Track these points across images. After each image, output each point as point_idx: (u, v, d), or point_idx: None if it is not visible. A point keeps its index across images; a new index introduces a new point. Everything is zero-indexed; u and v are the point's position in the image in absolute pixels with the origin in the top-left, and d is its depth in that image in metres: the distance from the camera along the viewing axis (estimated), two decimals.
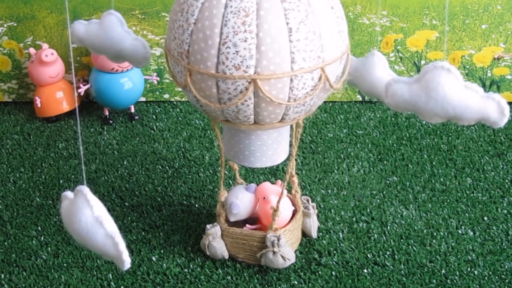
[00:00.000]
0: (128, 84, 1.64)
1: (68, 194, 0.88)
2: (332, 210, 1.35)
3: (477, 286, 1.17)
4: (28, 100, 1.78)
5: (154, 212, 1.35)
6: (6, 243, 1.28)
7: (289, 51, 0.92)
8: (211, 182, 1.45)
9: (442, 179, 1.45)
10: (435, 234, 1.29)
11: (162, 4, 1.66)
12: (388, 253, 1.24)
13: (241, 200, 1.19)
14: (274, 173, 1.47)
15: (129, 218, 1.34)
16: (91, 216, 0.83)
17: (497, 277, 1.19)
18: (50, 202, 1.39)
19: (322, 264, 1.22)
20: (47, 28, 1.69)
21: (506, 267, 1.21)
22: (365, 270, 1.20)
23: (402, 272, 1.20)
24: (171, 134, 1.63)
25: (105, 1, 1.66)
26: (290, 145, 1.15)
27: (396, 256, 1.23)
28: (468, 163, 1.50)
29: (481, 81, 1.75)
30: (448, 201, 1.38)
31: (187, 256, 1.24)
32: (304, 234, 1.27)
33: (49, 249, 1.26)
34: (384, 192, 1.41)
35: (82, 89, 1.66)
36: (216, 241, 1.20)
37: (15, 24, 1.69)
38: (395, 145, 1.57)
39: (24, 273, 1.21)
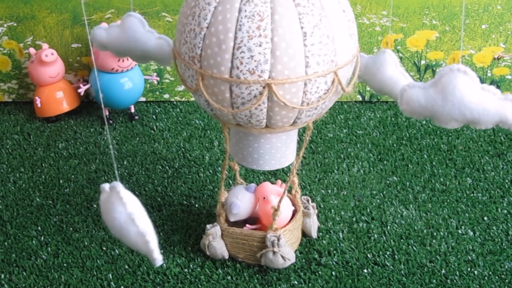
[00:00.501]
0: (128, 84, 1.64)
1: (106, 187, 0.87)
2: (332, 210, 1.35)
3: (477, 286, 1.17)
4: (28, 100, 1.78)
5: (154, 212, 1.35)
6: (6, 243, 1.28)
7: (304, 56, 0.92)
8: (211, 182, 1.45)
9: (442, 179, 1.45)
10: (435, 234, 1.29)
11: (162, 4, 1.66)
12: (388, 253, 1.24)
13: (241, 200, 1.19)
14: (274, 173, 1.47)
15: None
16: (124, 213, 0.83)
17: (497, 277, 1.19)
18: (50, 202, 1.39)
19: (322, 264, 1.22)
20: (47, 28, 1.69)
21: (506, 267, 1.21)
22: (365, 270, 1.20)
23: (402, 272, 1.20)
24: (171, 134, 1.63)
25: (105, 1, 1.66)
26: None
27: (396, 256, 1.23)
28: (468, 163, 1.50)
29: (481, 81, 1.75)
30: (448, 201, 1.38)
31: (187, 256, 1.24)
32: (304, 234, 1.27)
33: (49, 249, 1.26)
34: (384, 192, 1.41)
35: (82, 89, 1.66)
36: (216, 241, 1.20)
37: (15, 24, 1.69)
38: (395, 145, 1.57)
39: (24, 273, 1.21)
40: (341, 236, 1.28)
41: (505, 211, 1.35)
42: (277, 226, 1.16)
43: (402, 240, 1.27)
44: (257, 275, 1.19)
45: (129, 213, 0.83)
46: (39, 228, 1.31)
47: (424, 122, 1.64)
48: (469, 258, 1.23)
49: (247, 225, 1.20)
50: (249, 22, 0.91)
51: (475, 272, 1.20)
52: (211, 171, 1.48)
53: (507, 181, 1.44)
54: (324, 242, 1.27)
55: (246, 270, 1.21)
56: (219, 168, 1.49)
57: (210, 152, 1.55)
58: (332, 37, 0.93)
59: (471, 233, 1.29)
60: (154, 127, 1.66)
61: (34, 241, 1.28)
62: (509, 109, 0.89)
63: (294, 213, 1.22)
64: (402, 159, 1.52)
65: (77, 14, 1.67)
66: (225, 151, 1.13)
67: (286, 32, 0.91)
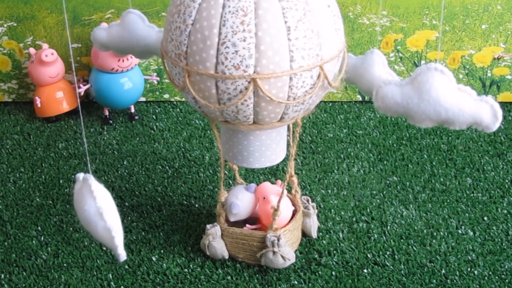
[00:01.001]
0: (128, 84, 1.64)
1: (80, 177, 0.88)
2: (332, 210, 1.35)
3: (477, 286, 1.17)
4: (28, 100, 1.78)
5: (154, 212, 1.35)
6: (6, 243, 1.28)
7: (288, 50, 0.92)
8: (211, 182, 1.45)
9: (442, 179, 1.45)
10: (435, 234, 1.29)
11: (162, 4, 1.66)
12: (388, 253, 1.24)
13: (241, 200, 1.19)
14: (274, 173, 1.47)
15: (129, 218, 1.34)
16: (93, 207, 0.85)
17: (497, 277, 1.19)
18: (50, 202, 1.39)
19: (322, 264, 1.22)
20: (47, 28, 1.69)
21: (506, 267, 1.21)
22: (365, 270, 1.20)
23: (402, 272, 1.20)
24: (171, 134, 1.63)
25: (105, 1, 1.66)
26: (289, 144, 1.15)
27: (396, 256, 1.23)
28: (468, 163, 1.50)
29: (481, 81, 1.75)
30: (448, 201, 1.38)
31: (187, 256, 1.24)
32: (304, 234, 1.27)
33: (49, 249, 1.26)
34: (384, 192, 1.41)
35: (82, 89, 1.66)
36: (216, 241, 1.20)
37: (15, 24, 1.69)
38: (395, 145, 1.57)
39: (24, 273, 1.21)
40: (341, 236, 1.28)
41: (505, 211, 1.35)
42: (277, 226, 1.16)
43: (402, 240, 1.27)
44: (257, 275, 1.19)
45: (98, 207, 0.84)
46: (39, 228, 1.31)
47: None
48: (469, 258, 1.23)
49: (247, 225, 1.20)
50: (233, 18, 0.91)
51: (475, 272, 1.20)
52: (211, 171, 1.48)
53: (507, 181, 1.44)
54: (324, 242, 1.27)
55: (246, 270, 1.21)
56: (219, 168, 1.49)
57: (210, 152, 1.55)
58: (317, 31, 0.94)
59: (471, 233, 1.29)
60: (154, 127, 1.66)
61: (34, 241, 1.28)
62: (484, 110, 0.88)
63: (294, 213, 1.22)
64: (402, 159, 1.52)
65: (77, 14, 1.67)
66: (218, 149, 1.13)
67: (270, 27, 0.91)
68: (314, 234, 1.27)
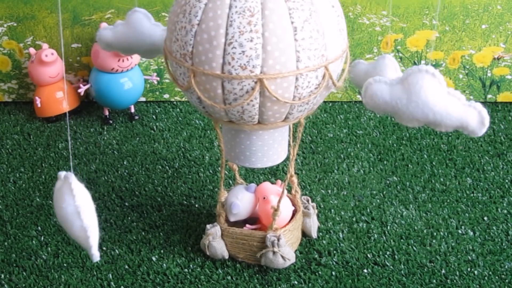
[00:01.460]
0: (128, 84, 1.64)
1: (61, 175, 0.89)
2: (332, 210, 1.35)
3: (477, 286, 1.17)
4: (28, 100, 1.78)
5: (154, 212, 1.35)
6: (6, 243, 1.28)
7: (295, 50, 0.93)
8: (211, 182, 1.45)
9: (442, 179, 1.45)
10: (435, 234, 1.29)
11: (162, 4, 1.66)
12: (388, 253, 1.24)
13: (241, 200, 1.19)
14: (274, 173, 1.47)
15: (129, 218, 1.34)
16: (72, 205, 0.86)
17: (497, 277, 1.19)
18: (50, 202, 1.39)
19: (322, 264, 1.22)
20: (47, 28, 1.69)
21: (506, 267, 1.21)
22: (365, 270, 1.20)
23: (402, 272, 1.20)
24: (171, 134, 1.63)
25: (105, 1, 1.66)
26: (289, 144, 1.15)
27: (396, 256, 1.23)
28: (468, 163, 1.50)
29: (481, 81, 1.75)
30: (448, 201, 1.38)
31: (187, 256, 1.24)
32: (304, 234, 1.27)
33: (49, 249, 1.26)
34: (384, 192, 1.41)
35: (82, 89, 1.66)
36: (216, 241, 1.20)
37: (15, 24, 1.69)
38: (395, 145, 1.57)
39: (24, 273, 1.21)
40: (341, 236, 1.28)
41: (505, 211, 1.35)
42: (277, 226, 1.16)
43: (402, 240, 1.27)
44: (257, 275, 1.19)
45: (76, 206, 0.85)
46: (39, 228, 1.31)
47: None
48: (469, 258, 1.23)
49: (247, 225, 1.20)
50: (240, 18, 0.91)
51: (475, 272, 1.20)
52: (211, 171, 1.48)
53: (507, 181, 1.44)
54: (324, 242, 1.27)
55: (246, 270, 1.21)
56: (219, 168, 1.49)
57: (210, 152, 1.55)
58: (322, 31, 0.94)
59: (471, 233, 1.29)
60: (154, 127, 1.66)
61: (34, 241, 1.28)
62: (471, 115, 0.89)
63: (294, 213, 1.22)
64: (402, 159, 1.52)
65: (77, 14, 1.67)
66: (219, 149, 1.13)
67: (277, 27, 0.91)
68: (314, 234, 1.27)
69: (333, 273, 1.20)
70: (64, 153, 1.56)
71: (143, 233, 1.29)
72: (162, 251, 1.25)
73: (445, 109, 0.89)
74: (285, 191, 1.16)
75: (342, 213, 1.34)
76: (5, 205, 1.38)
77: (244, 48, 0.92)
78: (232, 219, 1.20)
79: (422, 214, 1.34)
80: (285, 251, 1.16)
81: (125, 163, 1.52)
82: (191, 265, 1.22)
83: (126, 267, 1.22)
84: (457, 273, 1.20)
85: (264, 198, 1.17)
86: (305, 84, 0.96)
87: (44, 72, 1.64)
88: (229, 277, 1.19)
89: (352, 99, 1.77)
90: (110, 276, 1.20)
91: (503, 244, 1.26)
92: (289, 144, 1.15)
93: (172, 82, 1.75)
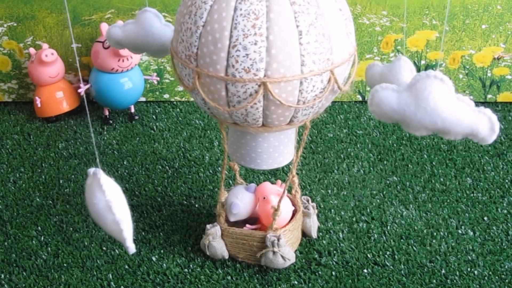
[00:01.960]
0: (128, 84, 1.64)
1: (90, 171, 0.90)
2: (332, 210, 1.35)
3: (477, 286, 1.17)
4: (28, 100, 1.78)
5: (154, 212, 1.35)
6: (6, 243, 1.28)
7: (299, 54, 0.92)
8: (211, 182, 1.45)
9: (442, 179, 1.45)
10: (435, 234, 1.29)
11: (162, 4, 1.66)
12: (388, 253, 1.24)
13: (241, 200, 1.19)
14: (274, 173, 1.47)
15: None
16: (103, 200, 0.86)
17: (497, 277, 1.19)
18: (50, 202, 1.39)
19: (322, 264, 1.22)
20: (47, 28, 1.69)
21: (506, 267, 1.21)
22: (365, 270, 1.20)
23: (402, 272, 1.20)
24: (171, 134, 1.63)
25: (105, 1, 1.66)
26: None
27: (396, 256, 1.23)
28: (468, 163, 1.50)
29: (481, 81, 1.75)
30: (448, 201, 1.38)
31: (187, 256, 1.24)
32: (304, 234, 1.27)
33: (49, 249, 1.26)
34: (384, 192, 1.41)
35: (82, 89, 1.66)
36: (216, 241, 1.20)
37: (15, 24, 1.69)
38: (395, 145, 1.57)
39: (24, 273, 1.21)
40: (341, 236, 1.28)
41: (505, 211, 1.35)
42: (277, 226, 1.16)
43: (402, 240, 1.27)
44: (257, 275, 1.19)
45: (107, 201, 0.86)
46: (39, 228, 1.31)
47: None
48: (469, 258, 1.23)
49: (247, 225, 1.20)
50: (245, 21, 0.91)
51: (475, 272, 1.20)
52: (211, 171, 1.48)
53: (507, 181, 1.44)
54: (324, 242, 1.27)
55: (246, 270, 1.21)
56: (219, 168, 1.49)
57: (210, 152, 1.55)
58: (328, 35, 0.94)
59: (471, 233, 1.29)
60: (154, 127, 1.66)
61: (34, 241, 1.28)
62: (481, 122, 0.86)
63: (294, 213, 1.22)
64: (402, 159, 1.52)
65: (77, 14, 1.67)
66: (223, 150, 1.13)
67: (281, 31, 0.91)
68: (314, 234, 1.27)
69: (333, 273, 1.20)
70: (64, 153, 1.56)
71: (143, 233, 1.29)
72: (162, 251, 1.25)
73: (454, 115, 0.86)
74: (285, 191, 1.16)
75: (342, 213, 1.34)
76: (5, 205, 1.38)
77: (248, 51, 0.91)
78: (232, 219, 1.20)
79: (422, 214, 1.34)
80: (285, 251, 1.16)
81: (125, 163, 1.52)
82: (191, 265, 1.22)
83: (126, 267, 1.22)
84: (457, 273, 1.20)
85: (264, 198, 1.17)
86: (310, 88, 0.95)
87: (44, 72, 1.64)
88: (229, 277, 1.19)
89: (352, 99, 1.77)
90: (110, 276, 1.20)
91: (503, 244, 1.26)
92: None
93: (172, 82, 1.75)
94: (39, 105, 1.66)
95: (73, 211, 1.35)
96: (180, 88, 1.77)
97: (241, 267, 1.21)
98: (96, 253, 1.24)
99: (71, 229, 1.31)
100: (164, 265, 1.22)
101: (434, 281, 1.18)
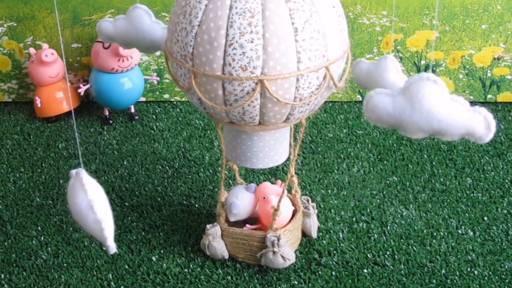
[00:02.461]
0: (128, 84, 1.64)
1: (73, 172, 0.90)
2: (332, 210, 1.35)
3: (477, 286, 1.17)
4: (28, 100, 1.78)
5: (154, 212, 1.35)
6: (6, 243, 1.28)
7: (295, 51, 0.92)
8: (211, 182, 1.45)
9: (442, 179, 1.45)
10: (435, 234, 1.29)
11: (162, 4, 1.66)
12: (388, 253, 1.24)
13: (241, 200, 1.19)
14: (274, 173, 1.47)
15: (129, 218, 1.34)
16: (85, 200, 0.86)
17: (497, 277, 1.19)
18: (50, 202, 1.39)
19: (322, 264, 1.22)
20: (47, 28, 1.69)
21: (506, 267, 1.21)
22: (365, 270, 1.20)
23: (402, 272, 1.20)
24: (171, 134, 1.63)
25: (105, 1, 1.66)
26: (290, 145, 1.15)
27: (396, 256, 1.23)
28: (468, 163, 1.50)
29: (481, 81, 1.75)
30: (448, 201, 1.38)
31: (187, 256, 1.24)
32: (304, 234, 1.27)
33: (49, 249, 1.26)
34: (384, 192, 1.41)
35: (82, 89, 1.66)
36: (216, 241, 1.20)
37: (15, 24, 1.69)
38: (395, 145, 1.57)
39: (24, 273, 1.21)
40: (341, 236, 1.28)
41: (505, 211, 1.35)
42: (277, 226, 1.16)
43: (402, 240, 1.27)
44: (257, 275, 1.19)
45: (89, 200, 0.86)
46: (39, 228, 1.31)
47: None
48: (469, 258, 1.23)
49: (247, 225, 1.20)
50: (240, 19, 0.91)
51: (475, 272, 1.20)
52: (211, 171, 1.48)
53: (507, 181, 1.44)
54: (324, 242, 1.27)
55: (246, 270, 1.21)
56: (219, 168, 1.49)
57: (210, 152, 1.55)
58: (323, 32, 0.94)
59: (471, 233, 1.29)
60: (154, 127, 1.66)
61: (34, 241, 1.28)
62: (477, 121, 0.86)
63: (294, 213, 1.22)
64: (402, 159, 1.52)
65: (77, 14, 1.67)
66: (223, 150, 1.13)
67: (277, 28, 0.91)
68: (314, 234, 1.27)
69: (333, 273, 1.20)
70: (64, 153, 1.56)
71: (143, 233, 1.29)
72: (162, 251, 1.25)
73: (450, 116, 0.86)
74: (285, 191, 1.16)
75: (342, 213, 1.34)
76: (5, 205, 1.38)
77: (245, 49, 0.92)
78: (232, 219, 1.20)
79: (422, 214, 1.34)
80: (285, 251, 1.16)
81: (125, 163, 1.52)
82: (191, 265, 1.22)
83: (126, 267, 1.22)
84: (457, 273, 1.20)
85: (264, 198, 1.17)
86: (306, 85, 0.96)
87: (44, 72, 1.64)
88: (229, 277, 1.19)
89: (352, 99, 1.77)
90: (110, 276, 1.20)
91: (503, 244, 1.26)
92: (290, 145, 1.15)
93: (172, 82, 1.75)
94: (39, 105, 1.66)
95: None
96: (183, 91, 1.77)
97: (241, 267, 1.21)
98: (96, 253, 1.24)
99: (71, 229, 1.31)
100: (164, 265, 1.22)
101: (434, 281, 1.18)
